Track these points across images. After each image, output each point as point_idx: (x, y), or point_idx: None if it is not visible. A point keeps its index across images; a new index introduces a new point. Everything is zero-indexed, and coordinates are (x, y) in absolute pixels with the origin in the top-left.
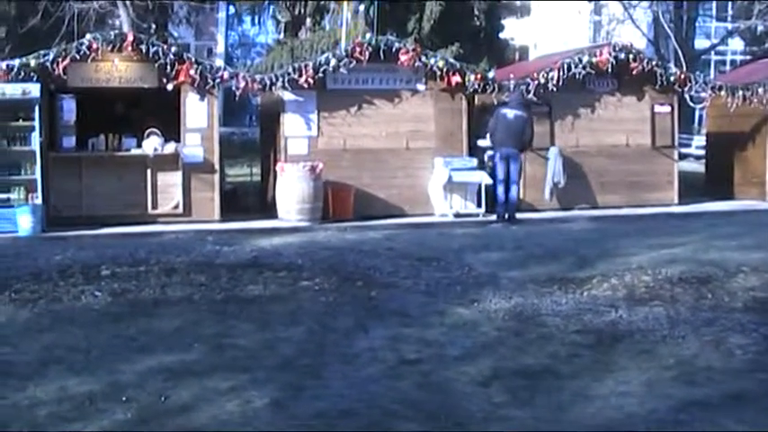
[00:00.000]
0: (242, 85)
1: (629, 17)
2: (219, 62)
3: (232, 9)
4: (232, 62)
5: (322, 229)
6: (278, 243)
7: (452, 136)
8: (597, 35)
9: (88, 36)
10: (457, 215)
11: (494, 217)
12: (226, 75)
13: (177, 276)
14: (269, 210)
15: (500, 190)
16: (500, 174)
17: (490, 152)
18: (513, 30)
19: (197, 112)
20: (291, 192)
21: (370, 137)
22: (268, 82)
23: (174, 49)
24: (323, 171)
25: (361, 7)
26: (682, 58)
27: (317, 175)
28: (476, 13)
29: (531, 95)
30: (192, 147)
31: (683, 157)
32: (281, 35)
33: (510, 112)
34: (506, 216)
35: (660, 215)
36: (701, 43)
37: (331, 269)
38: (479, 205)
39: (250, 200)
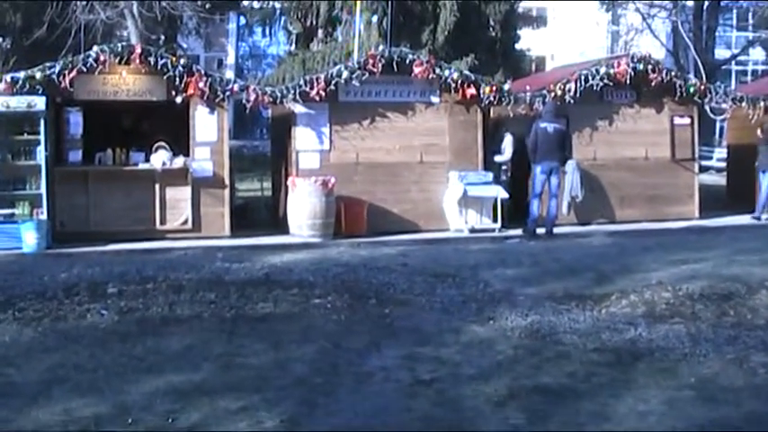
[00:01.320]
0: (252, 97)
1: (647, 27)
2: (230, 74)
3: (243, 20)
4: (242, 74)
5: (334, 245)
6: (289, 259)
7: (467, 149)
8: (615, 45)
9: (95, 48)
10: (472, 230)
11: (512, 232)
12: (236, 87)
13: (186, 294)
14: (280, 225)
15: (535, 204)
16: (538, 187)
17: (499, 157)
18: (529, 40)
19: (206, 125)
20: (303, 207)
21: (383, 150)
22: (279, 94)
23: (183, 61)
24: (335, 185)
25: (374, 18)
26: (701, 69)
27: (329, 189)
28: (491, 23)
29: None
30: (202, 161)
31: (703, 169)
32: (293, 47)
33: (549, 126)
34: (535, 231)
35: (680, 229)
36: (721, 53)
37: (343, 286)
38: (495, 220)
39: (261, 215)
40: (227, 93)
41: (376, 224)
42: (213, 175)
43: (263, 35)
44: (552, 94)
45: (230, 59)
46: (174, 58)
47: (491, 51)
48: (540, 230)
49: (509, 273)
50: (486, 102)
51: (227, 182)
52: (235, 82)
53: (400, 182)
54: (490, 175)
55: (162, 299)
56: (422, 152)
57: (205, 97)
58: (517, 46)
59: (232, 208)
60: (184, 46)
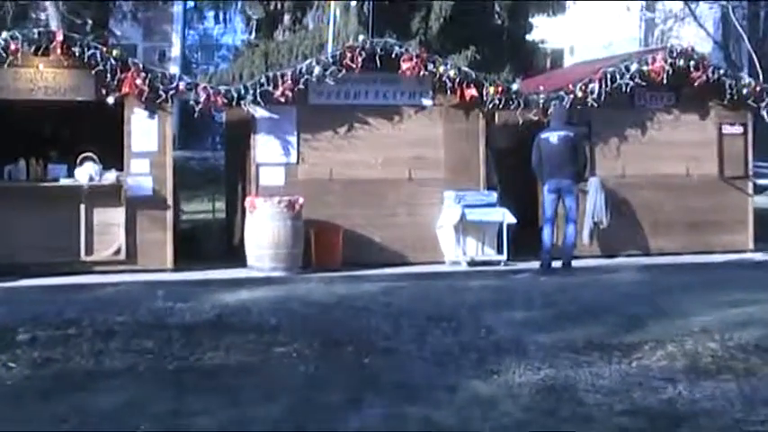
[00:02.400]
0: (203, 98)
1: (690, 14)
2: (174, 69)
3: (191, 2)
4: (191, 69)
5: (302, 280)
6: (246, 298)
7: (467, 164)
8: (650, 36)
9: (4, 34)
10: (472, 263)
11: (521, 265)
12: (182, 85)
13: (117, 341)
14: (236, 256)
15: (546, 232)
16: (548, 211)
17: None
18: (543, 30)
19: (145, 132)
20: (264, 233)
21: (363, 165)
22: (236, 95)
23: (116, 52)
24: (303, 207)
25: (353, 2)
26: (758, 65)
27: (297, 212)
28: (497, 9)
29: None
30: (139, 176)
31: (759, 190)
32: (253, 35)
33: (552, 136)
34: (549, 264)
35: (730, 264)
36: None
37: (314, 331)
38: (500, 251)
39: (212, 243)
40: (172, 92)
41: (354, 255)
42: (153, 194)
43: (216, 21)
44: (570, 96)
45: (175, 51)
46: (105, 49)
47: (496, 43)
48: (557, 263)
49: (517, 316)
50: (491, 105)
51: (170, 202)
52: (181, 79)
53: (384, 203)
54: (494, 196)
55: (87, 347)
56: (411, 167)
57: (143, 97)
58: (529, 37)
59: (176, 234)
60: (118, 33)
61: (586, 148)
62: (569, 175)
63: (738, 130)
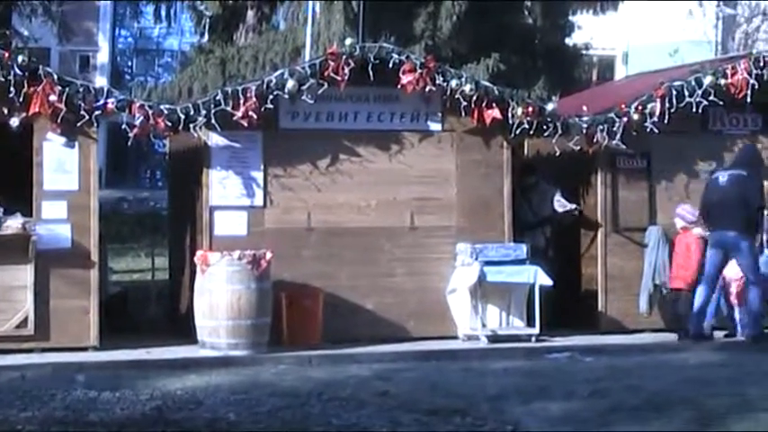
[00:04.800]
0: (139, 120)
1: None
2: (102, 81)
3: None
4: (123, 81)
5: (271, 361)
6: (197, 385)
7: (486, 207)
8: (729, 40)
9: None
10: (494, 338)
11: (558, 340)
12: (112, 103)
13: None
14: (182, 329)
15: (700, 291)
16: (709, 267)
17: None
18: (589, 32)
19: (61, 164)
20: (220, 299)
21: (351, 209)
22: (183, 116)
23: (21, 58)
24: (272, 265)
25: None
26: None
27: (263, 271)
28: (527, 4)
29: (616, 140)
30: (53, 223)
31: None
32: (205, 38)
33: (723, 175)
34: (703, 332)
35: None
36: None
37: (285, 430)
38: (531, 322)
39: (150, 312)
40: (97, 112)
41: (338, 328)
42: (72, 247)
43: (157, 19)
44: (623, 120)
45: (102, 57)
46: (6, 54)
47: (527, 49)
48: (710, 331)
49: (554, 409)
50: (518, 131)
51: (94, 258)
52: (110, 94)
53: (378, 259)
54: (523, 249)
55: None
56: (413, 211)
57: (59, 118)
58: (569, 41)
59: (103, 300)
60: (25, 33)
61: (765, 189)
62: (736, 225)
63: None
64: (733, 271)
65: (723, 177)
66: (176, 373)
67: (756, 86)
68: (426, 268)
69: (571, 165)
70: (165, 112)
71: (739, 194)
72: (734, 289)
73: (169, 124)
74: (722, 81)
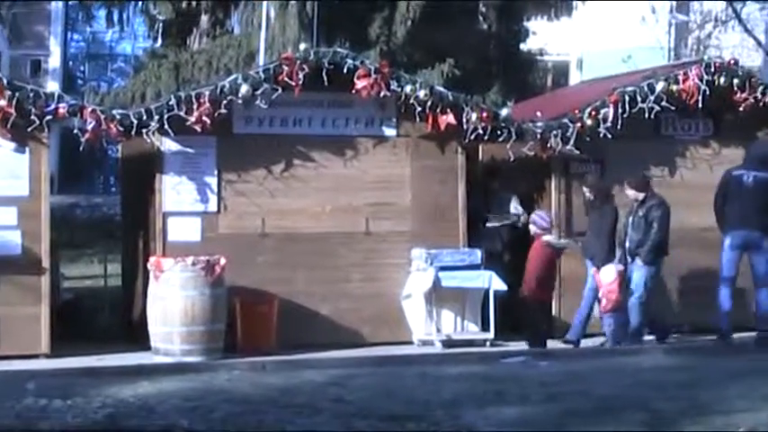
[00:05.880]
0: (91, 125)
1: (734, 16)
2: (53, 86)
3: None
4: (75, 86)
5: (225, 367)
6: (149, 392)
7: (442, 213)
8: (681, 46)
9: None
10: (449, 343)
11: (514, 344)
12: (63, 108)
13: None
14: (135, 336)
15: (725, 294)
16: (728, 270)
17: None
18: (544, 38)
19: (11, 170)
20: (173, 306)
21: (305, 214)
22: (136, 121)
23: None
24: (227, 271)
25: None
26: None
27: (217, 277)
28: (482, 9)
29: (570, 146)
30: (3, 229)
31: None
32: (159, 42)
33: (747, 175)
34: (730, 334)
35: None
36: None
37: None
38: (485, 327)
39: (103, 319)
40: (49, 117)
41: (293, 334)
42: (22, 253)
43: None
44: (576, 125)
45: (54, 61)
46: None
47: (481, 55)
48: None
49: (509, 413)
50: (473, 136)
51: (45, 264)
52: (61, 99)
53: (333, 265)
54: (477, 255)
55: None
56: (368, 217)
57: (9, 124)
58: (524, 46)
59: (55, 307)
60: None
61: None
62: (761, 226)
63: None
64: (606, 276)
65: (748, 178)
66: (129, 380)
67: (708, 92)
68: (381, 274)
69: (526, 170)
70: (118, 117)
71: (765, 197)
72: (601, 295)
73: (122, 129)
74: (674, 87)
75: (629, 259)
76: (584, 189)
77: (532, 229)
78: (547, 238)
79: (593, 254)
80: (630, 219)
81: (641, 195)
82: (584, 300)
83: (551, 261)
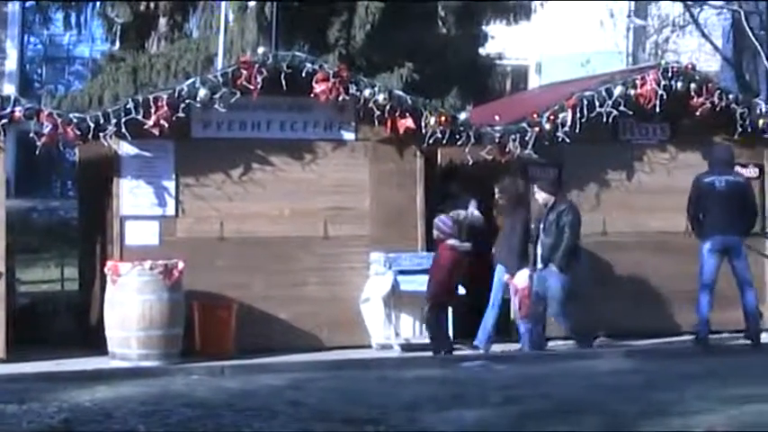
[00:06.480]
0: (48, 128)
1: (692, 21)
2: (9, 89)
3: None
4: (32, 89)
5: (182, 372)
6: (106, 397)
7: (400, 217)
8: (639, 51)
9: None
10: (407, 347)
11: (469, 350)
12: (19, 111)
13: None
14: (92, 340)
15: (704, 300)
16: (709, 275)
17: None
18: (502, 42)
19: None
20: (131, 310)
21: (264, 218)
22: (93, 125)
23: None
24: (184, 275)
25: (252, 2)
26: None
27: (175, 281)
28: (441, 14)
29: (528, 150)
30: None
31: None
32: (116, 45)
33: (719, 181)
34: (707, 340)
35: (743, 347)
36: None
37: None
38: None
39: (60, 323)
40: (4, 120)
41: (251, 338)
42: None
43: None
44: (535, 129)
45: (10, 64)
46: None
47: (440, 59)
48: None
49: (468, 416)
50: (431, 140)
51: (1, 268)
52: (17, 102)
53: (292, 269)
54: None
55: None
56: (327, 221)
57: None
58: (482, 51)
59: (10, 312)
60: None
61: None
62: (739, 230)
63: (752, 173)
64: (521, 281)
65: (720, 183)
66: (86, 385)
67: (665, 97)
68: (340, 278)
69: (484, 174)
70: (75, 120)
71: (740, 200)
72: (517, 299)
73: (78, 133)
74: (632, 91)
75: (540, 265)
76: (497, 194)
77: (435, 233)
78: (450, 242)
79: (505, 259)
80: (541, 224)
81: (552, 200)
82: (491, 305)
83: (456, 265)
